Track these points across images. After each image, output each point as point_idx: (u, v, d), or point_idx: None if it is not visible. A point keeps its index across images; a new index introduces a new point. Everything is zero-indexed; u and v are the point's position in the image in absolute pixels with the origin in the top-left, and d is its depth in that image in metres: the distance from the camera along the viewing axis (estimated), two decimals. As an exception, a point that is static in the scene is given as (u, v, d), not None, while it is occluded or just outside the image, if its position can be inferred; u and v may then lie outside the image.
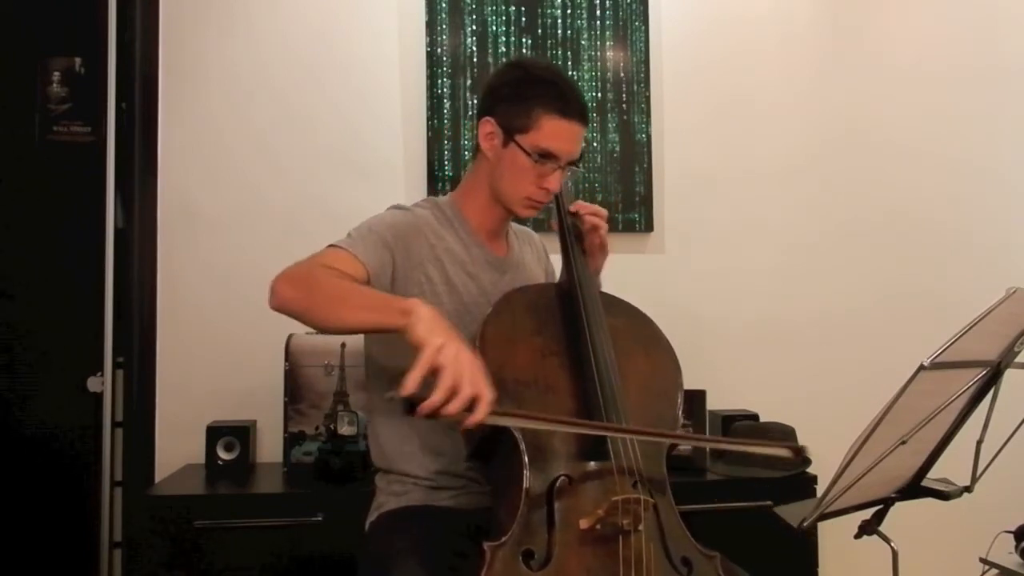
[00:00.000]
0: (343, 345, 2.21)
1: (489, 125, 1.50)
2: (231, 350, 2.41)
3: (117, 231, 2.40)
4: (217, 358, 2.40)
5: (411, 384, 1.09)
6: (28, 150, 2.42)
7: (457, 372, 1.11)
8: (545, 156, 1.46)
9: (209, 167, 2.45)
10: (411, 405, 1.09)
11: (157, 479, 2.31)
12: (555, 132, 1.45)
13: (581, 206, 1.57)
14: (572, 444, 1.29)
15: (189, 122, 2.44)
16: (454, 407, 1.09)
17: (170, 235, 2.43)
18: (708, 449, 2.35)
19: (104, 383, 2.37)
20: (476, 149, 1.56)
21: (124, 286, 2.39)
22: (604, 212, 1.57)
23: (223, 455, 2.22)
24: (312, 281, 1.31)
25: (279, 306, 1.30)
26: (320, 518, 1.95)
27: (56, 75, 2.45)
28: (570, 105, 1.47)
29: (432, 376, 1.11)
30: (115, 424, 2.38)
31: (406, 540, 1.36)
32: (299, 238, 2.44)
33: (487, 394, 1.13)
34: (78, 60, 2.45)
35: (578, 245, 1.54)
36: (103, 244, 2.38)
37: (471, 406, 1.11)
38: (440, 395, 1.09)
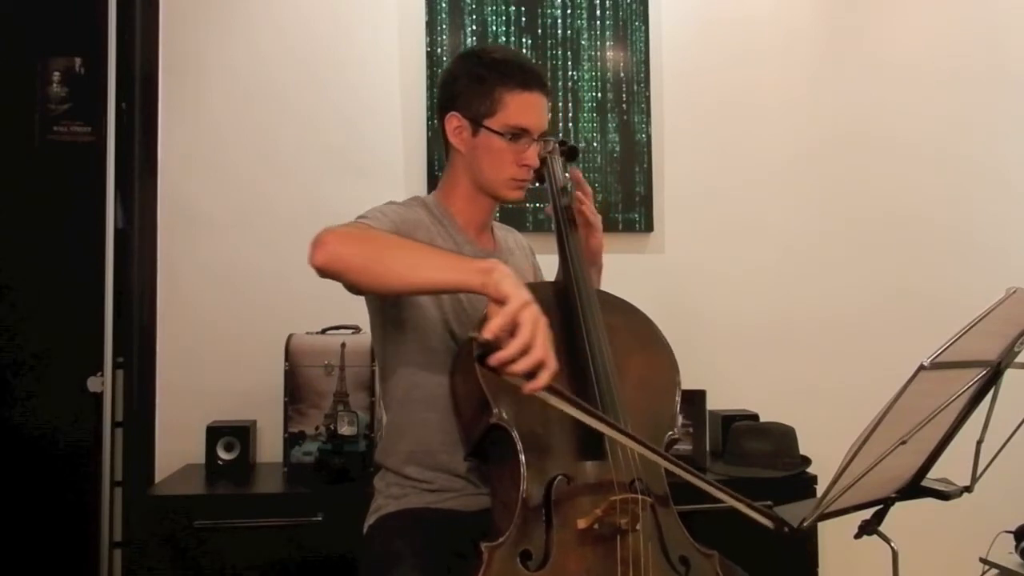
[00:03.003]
0: (343, 345, 2.21)
1: (455, 119, 1.51)
2: (231, 350, 2.41)
3: (117, 231, 2.40)
4: (217, 358, 2.40)
5: (492, 330, 1.08)
6: (28, 150, 2.42)
7: (534, 333, 1.09)
8: (518, 133, 1.47)
9: (209, 167, 2.45)
10: (485, 352, 1.08)
11: (157, 479, 2.31)
12: (521, 106, 1.47)
13: (576, 175, 1.60)
14: (570, 444, 1.29)
15: (189, 122, 2.44)
16: (522, 365, 1.08)
17: (170, 235, 2.43)
18: (708, 449, 2.35)
19: (104, 383, 2.37)
20: (447, 148, 1.56)
21: (124, 286, 2.39)
22: (588, 191, 1.61)
23: (223, 455, 2.22)
24: (373, 237, 1.28)
25: (328, 261, 1.22)
26: (320, 518, 1.95)
27: (56, 75, 2.45)
28: (529, 77, 1.48)
29: (508, 332, 1.09)
30: (115, 424, 2.38)
31: (405, 542, 1.36)
32: (299, 238, 2.44)
33: (552, 364, 1.10)
34: (78, 60, 2.45)
35: (572, 229, 1.54)
36: (103, 244, 2.38)
37: (534, 372, 1.09)
38: (514, 349, 1.08)
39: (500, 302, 1.12)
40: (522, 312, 1.10)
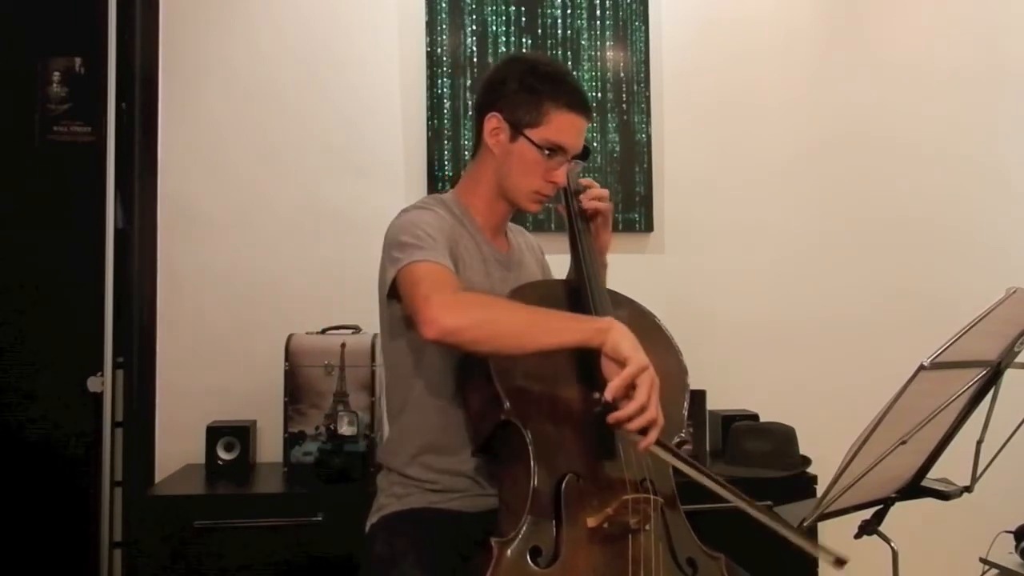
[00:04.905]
0: (343, 345, 2.21)
1: (495, 120, 1.50)
2: (231, 350, 2.41)
3: (117, 231, 2.40)
4: (217, 358, 2.40)
5: (614, 391, 1.18)
6: (28, 150, 2.42)
7: (650, 393, 1.19)
8: (555, 150, 1.47)
9: (209, 167, 2.44)
10: (605, 411, 1.18)
11: (157, 479, 2.31)
12: (565, 126, 1.47)
13: (589, 184, 1.59)
14: (581, 442, 1.29)
15: (189, 122, 2.44)
16: (637, 424, 1.18)
17: (170, 235, 2.43)
18: (708, 449, 2.35)
19: (104, 383, 2.36)
20: (477, 146, 1.56)
21: (124, 286, 2.39)
22: (606, 193, 1.59)
23: (223, 455, 2.22)
24: (487, 308, 1.30)
25: (443, 336, 1.24)
26: (320, 518, 1.95)
27: (56, 75, 2.45)
28: (578, 99, 1.49)
29: (629, 389, 1.19)
30: (115, 424, 2.38)
31: (407, 541, 1.36)
32: (299, 238, 2.47)
33: (661, 422, 1.20)
34: (78, 60, 2.45)
35: (585, 229, 1.54)
36: (103, 244, 2.38)
37: (646, 429, 1.18)
38: (632, 409, 1.17)
39: (618, 362, 1.21)
40: (640, 375, 1.19)
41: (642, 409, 1.17)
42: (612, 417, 1.17)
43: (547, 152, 1.47)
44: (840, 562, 1.20)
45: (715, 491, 1.23)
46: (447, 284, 1.31)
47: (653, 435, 1.19)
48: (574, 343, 1.25)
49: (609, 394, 1.17)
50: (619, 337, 1.22)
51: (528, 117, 1.47)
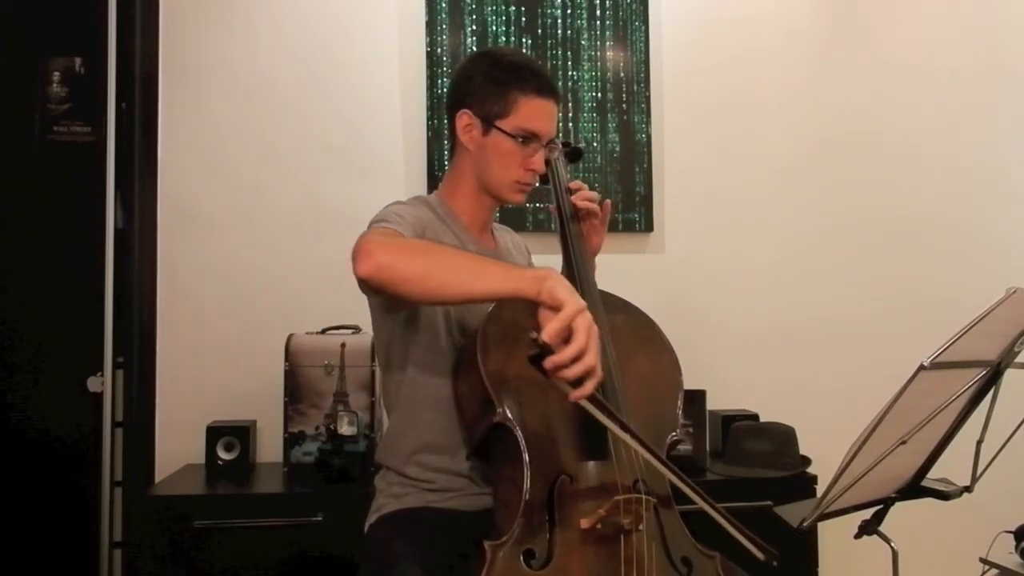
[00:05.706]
0: (343, 345, 2.21)
1: (466, 117, 1.51)
2: (231, 350, 2.41)
3: (117, 231, 2.40)
4: (217, 358, 2.40)
5: (551, 333, 1.09)
6: (28, 150, 2.42)
7: (588, 340, 1.11)
8: (528, 137, 1.49)
9: (209, 167, 2.45)
10: (539, 355, 1.10)
11: (157, 479, 2.31)
12: (534, 112, 1.48)
13: (578, 186, 1.59)
14: (573, 443, 1.29)
15: (189, 122, 2.44)
16: (574, 371, 1.10)
17: (170, 235, 2.43)
18: (708, 449, 2.35)
19: (104, 383, 2.37)
20: (454, 145, 1.57)
21: (124, 286, 2.39)
22: (596, 196, 1.59)
23: (223, 455, 2.22)
24: (423, 247, 1.28)
25: (376, 271, 1.19)
26: (320, 518, 1.95)
27: (56, 75, 2.45)
28: (544, 84, 1.51)
29: (563, 338, 1.12)
30: (115, 424, 2.38)
31: (406, 542, 1.36)
32: (299, 238, 2.48)
33: (599, 373, 1.13)
34: (78, 60, 2.46)
35: (577, 229, 1.54)
36: (103, 244, 2.38)
37: (582, 379, 1.11)
38: (569, 354, 1.09)
39: (555, 308, 1.13)
40: (577, 318, 1.12)
41: (580, 354, 1.10)
42: (549, 361, 1.09)
43: (521, 140, 1.48)
44: (771, 559, 1.18)
45: (653, 464, 1.21)
46: (394, 236, 1.31)
47: (590, 386, 1.12)
48: (508, 291, 1.20)
49: (546, 336, 1.09)
50: (555, 283, 1.16)
51: (497, 108, 1.48)
